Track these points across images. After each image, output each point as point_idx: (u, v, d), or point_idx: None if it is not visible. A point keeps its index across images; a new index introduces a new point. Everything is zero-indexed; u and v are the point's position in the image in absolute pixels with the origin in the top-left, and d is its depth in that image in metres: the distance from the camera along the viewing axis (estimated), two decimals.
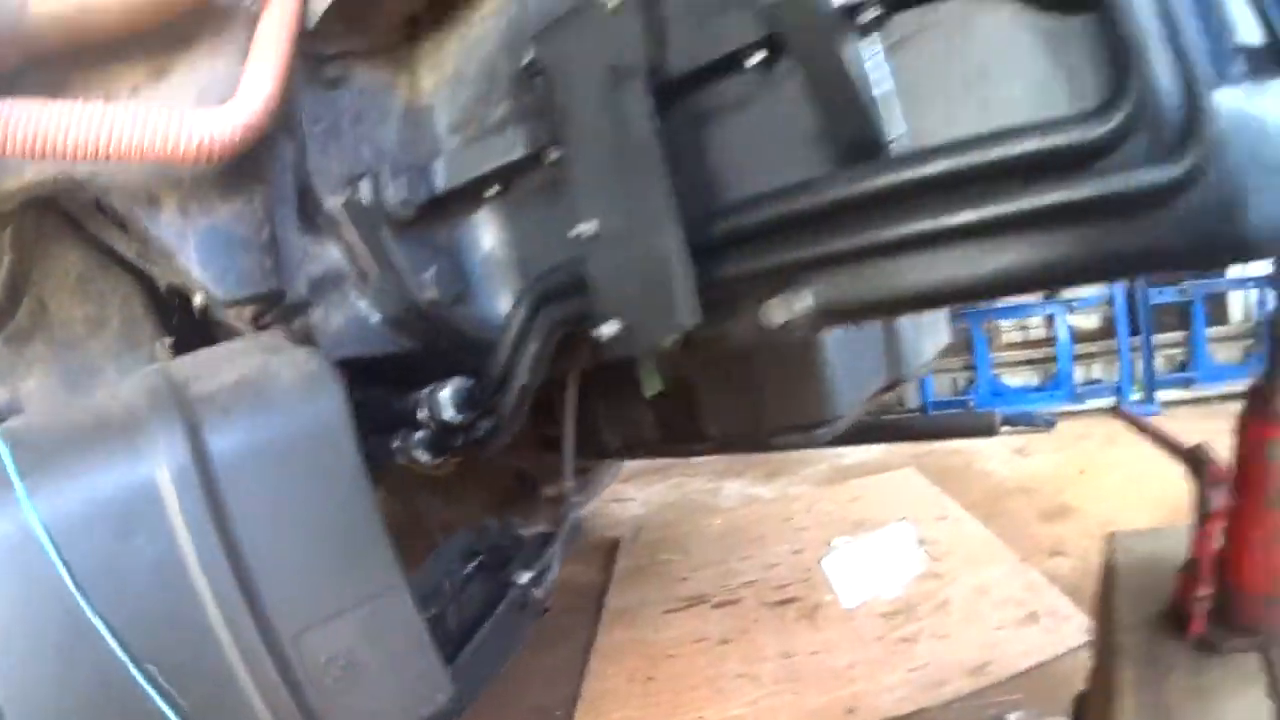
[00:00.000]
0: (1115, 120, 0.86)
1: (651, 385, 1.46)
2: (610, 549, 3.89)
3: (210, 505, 0.98)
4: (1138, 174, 0.84)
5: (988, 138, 0.91)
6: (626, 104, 1.09)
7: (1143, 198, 0.85)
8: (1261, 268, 4.90)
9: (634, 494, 4.66)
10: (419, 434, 1.44)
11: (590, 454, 2.28)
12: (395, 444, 1.47)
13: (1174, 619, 1.77)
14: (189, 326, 1.60)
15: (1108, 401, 5.05)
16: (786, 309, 1.05)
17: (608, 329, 1.14)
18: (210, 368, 1.17)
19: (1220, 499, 1.54)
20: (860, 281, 1.02)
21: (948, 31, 0.96)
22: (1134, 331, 5.07)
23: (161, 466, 0.98)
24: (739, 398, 1.98)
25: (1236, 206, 0.83)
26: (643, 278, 1.11)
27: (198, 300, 1.42)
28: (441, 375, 1.43)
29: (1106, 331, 5.20)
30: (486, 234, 1.42)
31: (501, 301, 1.42)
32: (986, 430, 3.56)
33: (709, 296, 1.09)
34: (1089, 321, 5.42)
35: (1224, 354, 5.19)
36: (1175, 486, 3.25)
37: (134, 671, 0.94)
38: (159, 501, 0.98)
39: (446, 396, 1.38)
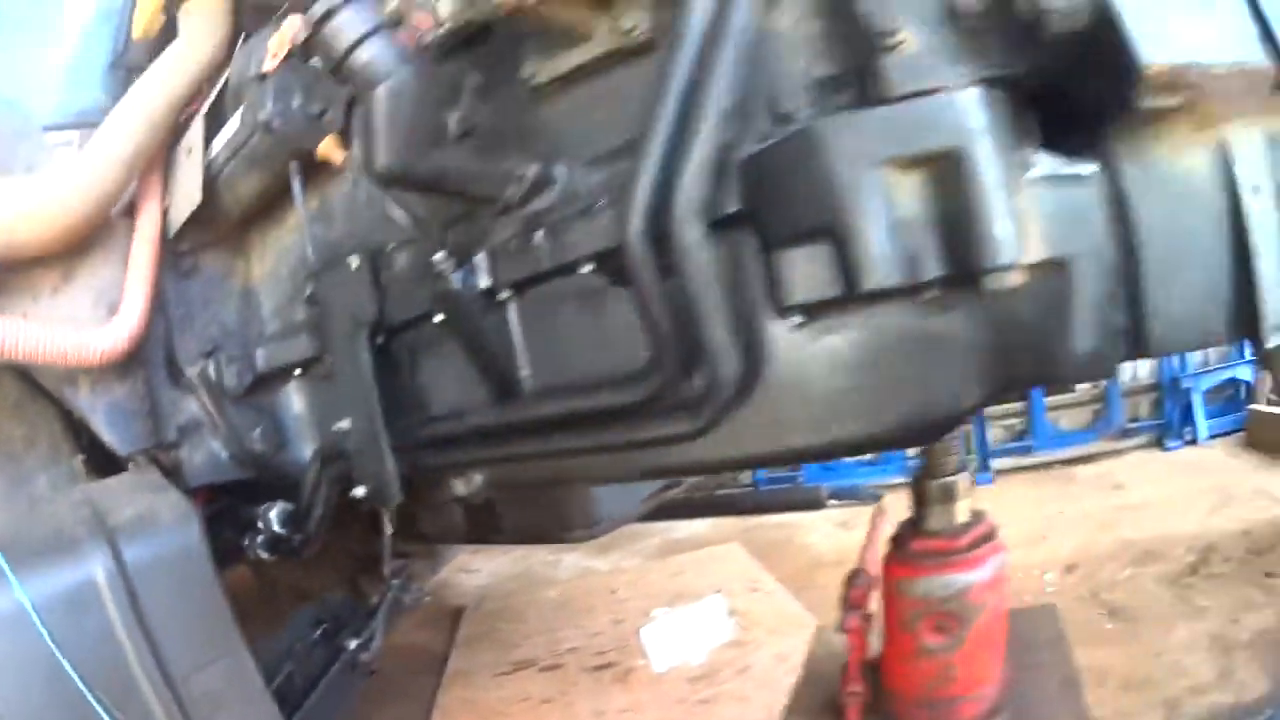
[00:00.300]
0: (650, 387, 1.41)
1: (390, 528, 2.43)
2: (456, 616, 4.79)
3: (128, 594, 1.87)
4: (663, 426, 1.43)
5: (568, 390, 1.59)
6: (358, 346, 1.92)
7: (678, 438, 1.42)
8: None
9: (480, 565, 5.56)
10: (260, 538, 2.33)
11: (413, 541, 3.24)
12: (245, 542, 2.37)
13: (838, 708, 2.64)
14: (96, 445, 2.41)
15: None
16: (465, 485, 1.95)
17: (359, 491, 1.97)
18: (118, 501, 2.07)
19: (852, 621, 2.44)
20: (509, 472, 1.88)
21: (559, 303, 1.61)
22: None
23: (99, 570, 1.87)
24: (525, 504, 2.93)
25: (777, 435, 1.37)
26: (370, 466, 1.94)
27: None
28: (275, 495, 2.32)
29: None
30: (295, 402, 2.29)
31: (307, 451, 2.26)
32: (813, 504, 4.37)
33: (421, 476, 1.95)
34: None
35: (1070, 420, 6.13)
36: None
37: (92, 700, 1.81)
38: (98, 592, 1.86)
39: (273, 516, 2.29)
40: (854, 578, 2.27)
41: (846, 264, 1.22)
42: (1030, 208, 1.18)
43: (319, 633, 2.93)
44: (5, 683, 1.83)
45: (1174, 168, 1.24)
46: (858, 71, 1.28)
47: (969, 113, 1.17)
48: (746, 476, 6.11)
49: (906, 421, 1.35)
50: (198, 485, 2.37)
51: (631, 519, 3.07)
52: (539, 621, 4.70)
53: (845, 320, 1.29)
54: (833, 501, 4.85)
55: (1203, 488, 4.98)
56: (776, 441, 1.42)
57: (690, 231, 1.29)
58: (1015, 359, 1.28)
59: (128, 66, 2.72)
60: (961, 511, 2.23)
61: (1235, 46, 1.18)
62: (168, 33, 2.49)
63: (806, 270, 1.27)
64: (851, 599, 2.25)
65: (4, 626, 1.82)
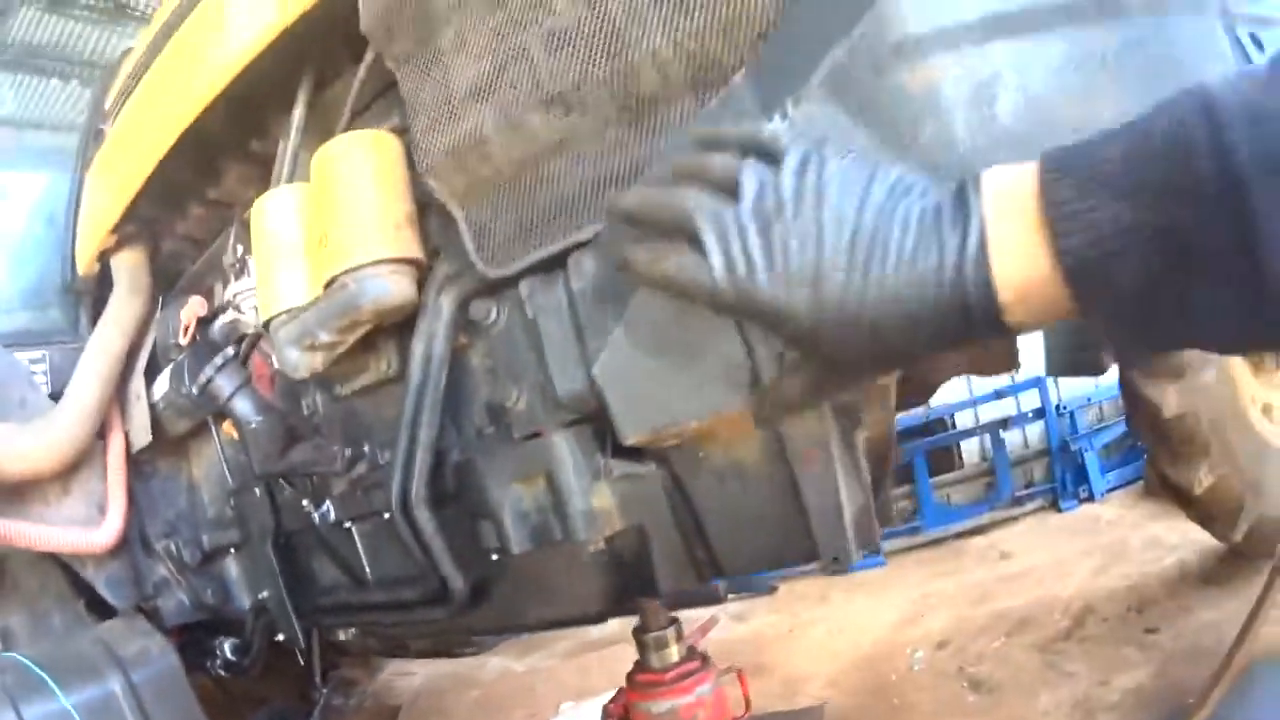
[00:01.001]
0: (420, 591, 2.18)
1: (310, 657, 3.33)
2: (394, 714, 5.36)
3: (138, 705, 2.59)
4: (434, 613, 2.18)
5: (387, 584, 2.41)
6: (265, 547, 2.70)
7: (445, 617, 2.18)
8: (985, 416, 6.60)
9: (417, 669, 6.08)
10: (217, 661, 3.30)
11: (343, 656, 4.18)
12: (207, 664, 3.35)
13: None
14: (91, 592, 3.33)
15: None
16: (345, 634, 2.91)
17: (279, 637, 2.90)
18: (121, 640, 2.96)
19: None
20: (365, 629, 2.79)
21: (379, 530, 2.41)
22: None
23: (117, 688, 2.62)
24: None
25: (503, 618, 2.18)
26: (282, 622, 2.80)
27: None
28: (227, 631, 3.29)
29: None
30: (234, 569, 3.14)
31: (246, 602, 3.09)
32: (713, 600, 4.69)
33: (316, 629, 2.91)
34: None
35: (961, 495, 6.69)
36: (860, 639, 4.86)
37: None
38: (119, 703, 2.53)
39: (226, 647, 3.24)
40: (616, 695, 3.02)
41: (501, 535, 1.83)
42: (610, 496, 1.75)
43: None
44: None
45: (723, 458, 1.69)
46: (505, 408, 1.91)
47: (558, 447, 1.73)
48: None
49: (568, 618, 2.15)
50: (171, 625, 3.23)
51: (504, 639, 3.91)
52: (464, 717, 5.28)
53: (518, 558, 1.90)
54: (730, 596, 5.47)
55: (1090, 547, 5.29)
56: (506, 621, 2.31)
57: (421, 511, 2.03)
58: (625, 582, 1.96)
59: (77, 291, 3.63)
60: (673, 654, 2.91)
61: (709, 397, 1.42)
62: (105, 271, 3.33)
63: (487, 533, 1.89)
64: (609, 710, 2.99)
65: None
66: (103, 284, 3.43)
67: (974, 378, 6.79)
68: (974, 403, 7.02)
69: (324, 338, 2.02)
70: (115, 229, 3.09)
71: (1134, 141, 0.82)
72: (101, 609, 3.37)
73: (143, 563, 3.34)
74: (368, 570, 2.54)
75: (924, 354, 0.99)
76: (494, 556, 1.98)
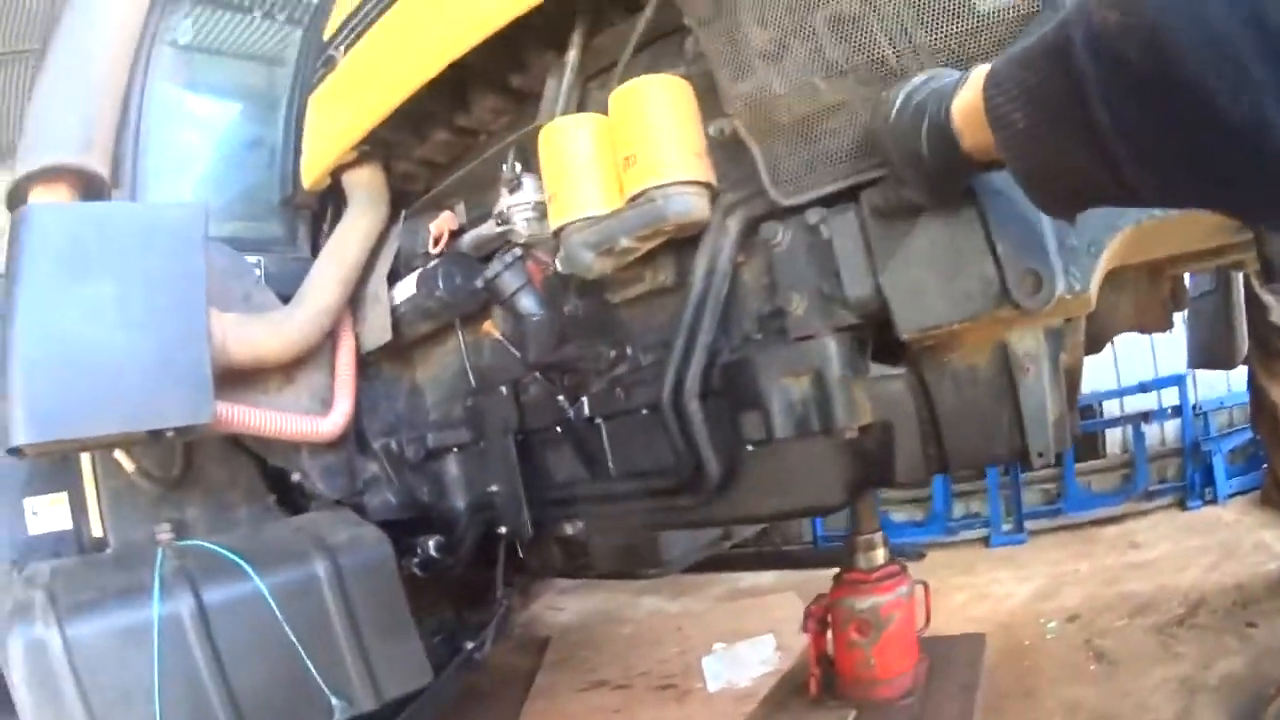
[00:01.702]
0: (674, 479, 2.65)
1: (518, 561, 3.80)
2: (543, 644, 6.08)
3: (342, 589, 3.17)
4: (683, 500, 2.67)
5: (633, 475, 2.90)
6: (506, 442, 3.27)
7: (695, 503, 2.66)
8: (1130, 406, 7.09)
9: (566, 605, 6.64)
10: (416, 560, 3.72)
11: (520, 574, 4.68)
12: (404, 561, 3.74)
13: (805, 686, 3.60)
14: (284, 487, 3.81)
15: (981, 533, 7.13)
16: (572, 528, 3.25)
17: (501, 530, 3.34)
18: (328, 529, 3.44)
19: (810, 624, 3.36)
20: (598, 520, 3.17)
21: (630, 426, 2.87)
22: (1005, 472, 7.08)
23: (321, 571, 3.15)
24: (611, 546, 4.17)
25: (747, 507, 2.59)
26: (511, 514, 3.32)
27: (295, 478, 3.76)
28: (427, 531, 3.72)
29: (983, 473, 7.20)
30: (453, 468, 3.62)
31: (459, 501, 3.60)
32: (914, 556, 5.33)
33: (544, 523, 3.37)
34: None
35: (1100, 483, 7.16)
36: (999, 607, 5.66)
37: (305, 657, 3.03)
38: (320, 586, 3.15)
39: (431, 545, 3.65)
40: (818, 598, 3.59)
41: (767, 423, 2.27)
42: (865, 393, 2.21)
43: (438, 639, 4.39)
44: (246, 642, 2.97)
45: (961, 363, 2.16)
46: (778, 314, 2.35)
47: (827, 349, 2.19)
48: (807, 535, 7.35)
49: (810, 505, 2.61)
50: (374, 522, 3.64)
51: (691, 562, 4.42)
52: (614, 650, 5.87)
53: (773, 448, 2.36)
54: None
55: (1208, 545, 5.83)
56: (747, 510, 2.64)
57: (692, 403, 2.45)
58: (865, 472, 2.35)
59: (296, 205, 4.05)
60: (879, 556, 3.44)
61: (968, 303, 1.94)
62: (332, 188, 3.77)
63: (751, 423, 2.30)
64: (810, 611, 3.56)
65: (249, 605, 3.00)
66: (324, 199, 3.93)
67: (1121, 369, 7.43)
68: (1120, 393, 7.51)
69: (624, 243, 2.48)
70: (355, 147, 3.55)
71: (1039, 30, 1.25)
72: (288, 505, 3.82)
73: (356, 459, 3.80)
74: (611, 463, 2.98)
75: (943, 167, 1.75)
76: (750, 447, 2.43)
